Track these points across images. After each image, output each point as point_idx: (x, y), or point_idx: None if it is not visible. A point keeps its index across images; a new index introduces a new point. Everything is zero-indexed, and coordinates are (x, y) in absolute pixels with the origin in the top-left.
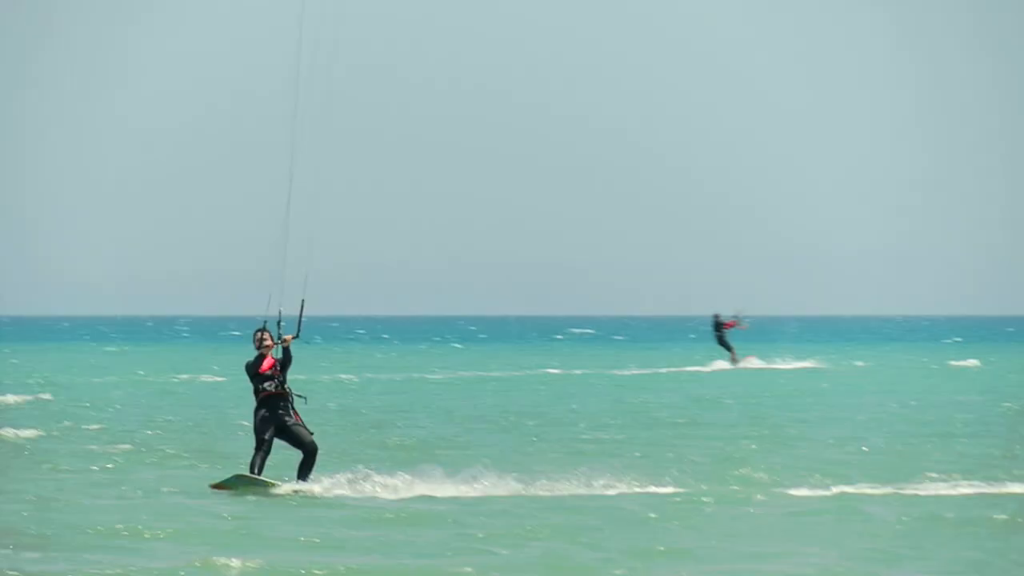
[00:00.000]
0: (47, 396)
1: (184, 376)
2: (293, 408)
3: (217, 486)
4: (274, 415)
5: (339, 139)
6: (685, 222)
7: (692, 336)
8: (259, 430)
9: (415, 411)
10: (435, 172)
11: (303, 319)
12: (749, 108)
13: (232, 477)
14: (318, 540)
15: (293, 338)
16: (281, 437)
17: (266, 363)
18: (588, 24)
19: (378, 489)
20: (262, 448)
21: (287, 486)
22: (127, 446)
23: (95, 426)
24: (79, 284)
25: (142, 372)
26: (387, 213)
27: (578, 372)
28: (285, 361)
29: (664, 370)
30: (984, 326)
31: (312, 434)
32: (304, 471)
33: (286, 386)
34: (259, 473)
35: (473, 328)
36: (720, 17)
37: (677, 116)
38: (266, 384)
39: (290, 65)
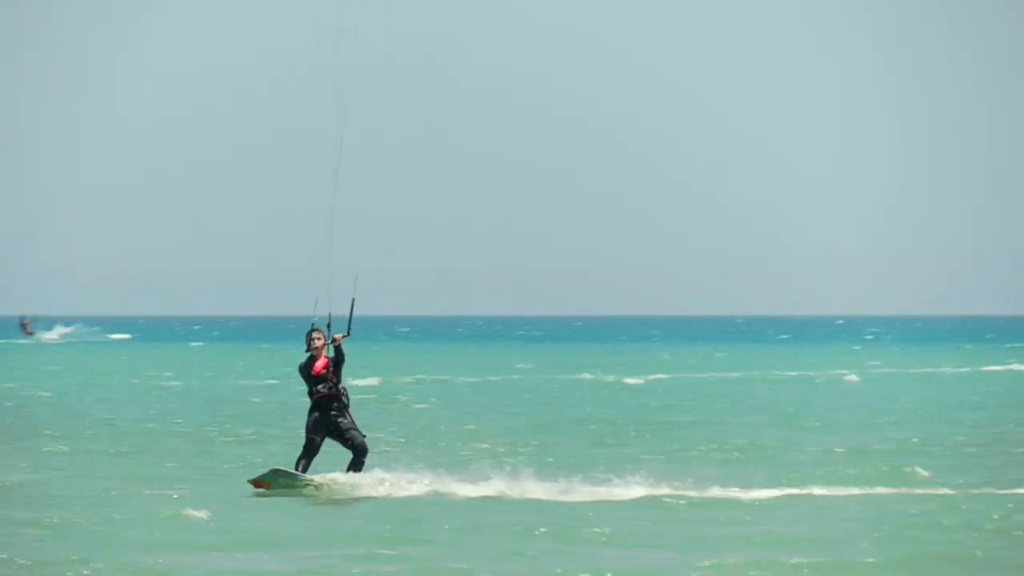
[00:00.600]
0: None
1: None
2: (347, 409)
3: (255, 482)
4: (326, 417)
5: (381, 137)
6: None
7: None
8: (310, 431)
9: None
10: (475, 176)
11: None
12: (746, 107)
13: (269, 472)
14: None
15: (344, 337)
16: (333, 438)
17: (319, 364)
18: (629, 43)
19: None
20: (310, 449)
21: (332, 476)
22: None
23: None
24: (94, 282)
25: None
26: (426, 215)
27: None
28: (338, 361)
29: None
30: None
31: (364, 436)
32: (352, 469)
33: (340, 386)
34: (305, 471)
35: (533, 331)
36: (721, 18)
37: (684, 120)
38: (319, 386)
39: (304, 58)
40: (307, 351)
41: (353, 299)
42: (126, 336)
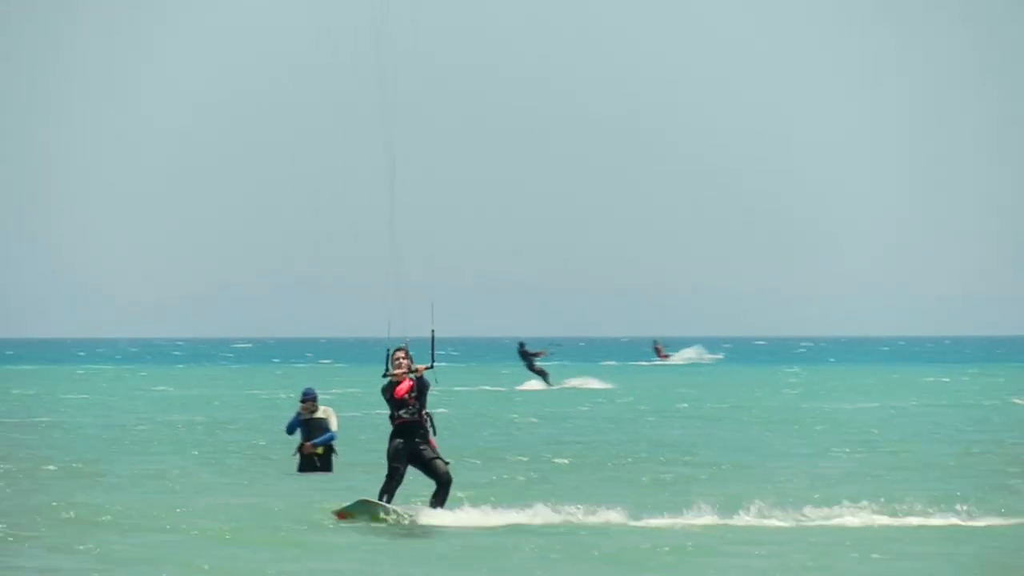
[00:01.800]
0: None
1: None
2: (432, 436)
3: (340, 513)
4: (409, 444)
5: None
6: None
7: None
8: (392, 459)
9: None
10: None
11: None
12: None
13: (356, 503)
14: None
15: (427, 368)
16: (415, 466)
17: (402, 387)
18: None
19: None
20: (394, 478)
21: (415, 511)
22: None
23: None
24: (128, 306)
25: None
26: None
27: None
28: (422, 388)
29: None
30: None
31: (448, 464)
32: (436, 501)
33: (424, 412)
34: (388, 501)
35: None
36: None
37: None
38: (402, 411)
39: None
40: (384, 375)
41: (433, 330)
42: (718, 356)
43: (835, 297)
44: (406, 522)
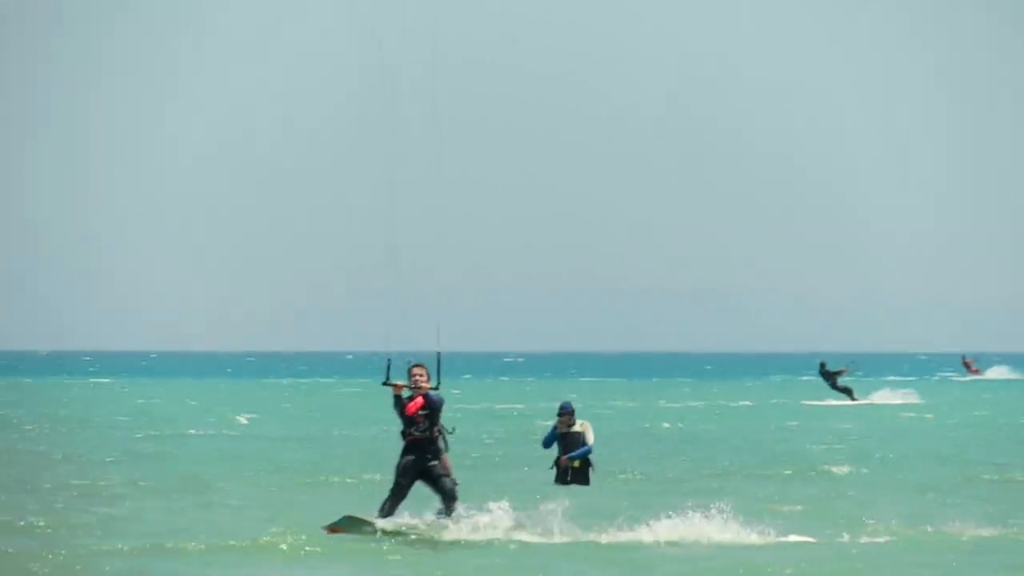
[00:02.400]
0: None
1: None
2: (444, 453)
3: (330, 528)
4: (419, 462)
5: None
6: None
7: None
8: (399, 474)
9: None
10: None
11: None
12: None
13: (343, 519)
14: None
15: (433, 388)
16: (424, 482)
17: (414, 404)
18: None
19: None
20: (396, 493)
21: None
22: None
23: None
24: (162, 320)
25: None
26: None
27: None
28: (433, 408)
29: None
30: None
31: (457, 484)
32: (440, 515)
33: (436, 428)
34: (388, 515)
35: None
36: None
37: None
38: (413, 428)
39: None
40: (384, 383)
41: (439, 353)
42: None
43: None
44: (391, 536)
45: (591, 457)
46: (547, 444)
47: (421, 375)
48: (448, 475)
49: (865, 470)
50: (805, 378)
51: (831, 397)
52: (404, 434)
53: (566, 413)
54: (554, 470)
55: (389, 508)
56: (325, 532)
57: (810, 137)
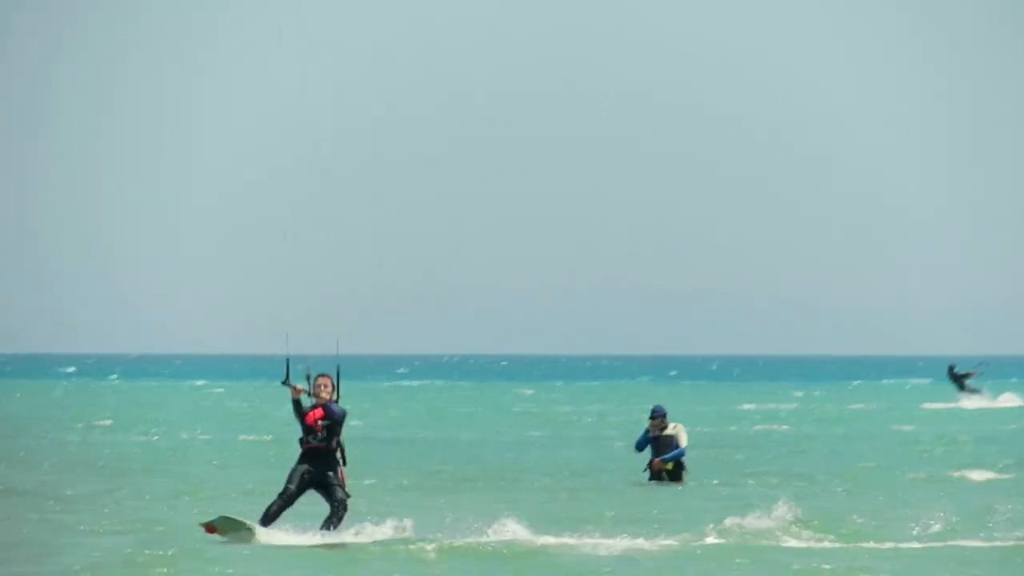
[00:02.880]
0: None
1: None
2: (340, 466)
3: (207, 527)
4: (317, 473)
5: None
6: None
7: None
8: (290, 478)
9: None
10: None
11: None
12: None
13: (220, 518)
14: None
15: (332, 400)
16: (317, 491)
17: (313, 413)
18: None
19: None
20: (285, 498)
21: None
22: None
23: None
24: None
25: None
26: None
27: None
28: (334, 419)
29: None
30: None
31: (348, 496)
32: (327, 523)
33: (335, 441)
34: (272, 520)
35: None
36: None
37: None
38: (310, 437)
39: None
40: (283, 383)
41: (338, 366)
42: None
43: None
44: (262, 538)
45: (684, 460)
46: (640, 447)
47: (325, 385)
48: (342, 486)
49: None
50: (914, 381)
51: (948, 400)
52: (302, 441)
53: (658, 416)
54: (647, 473)
55: (275, 512)
56: (203, 529)
57: (843, 146)
